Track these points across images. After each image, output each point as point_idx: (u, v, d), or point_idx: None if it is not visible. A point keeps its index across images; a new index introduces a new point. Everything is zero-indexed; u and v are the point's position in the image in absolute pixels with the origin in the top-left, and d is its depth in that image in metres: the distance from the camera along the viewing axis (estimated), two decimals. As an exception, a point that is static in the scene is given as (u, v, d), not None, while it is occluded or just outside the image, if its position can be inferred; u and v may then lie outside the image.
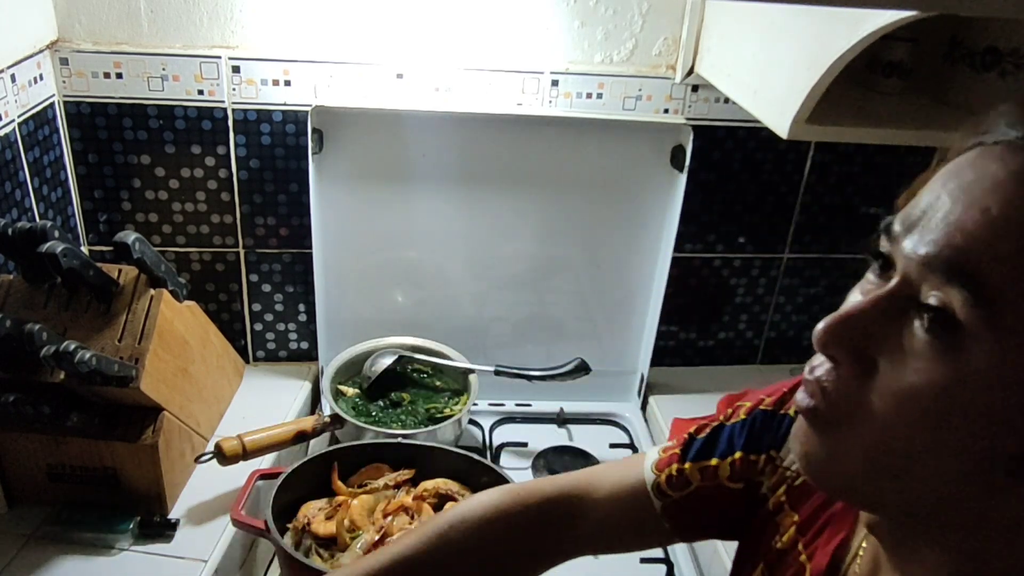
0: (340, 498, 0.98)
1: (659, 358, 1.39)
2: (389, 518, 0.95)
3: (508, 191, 1.22)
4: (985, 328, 0.38)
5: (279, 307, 1.31)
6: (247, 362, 1.34)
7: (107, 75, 1.12)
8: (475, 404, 1.20)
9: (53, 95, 1.12)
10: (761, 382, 1.51)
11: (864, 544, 0.54)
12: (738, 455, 0.64)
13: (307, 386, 1.30)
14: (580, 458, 1.22)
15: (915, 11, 0.71)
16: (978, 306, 0.38)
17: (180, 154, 1.18)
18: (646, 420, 1.34)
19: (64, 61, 1.11)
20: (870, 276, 0.46)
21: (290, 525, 0.95)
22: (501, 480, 0.98)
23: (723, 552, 1.04)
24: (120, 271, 1.02)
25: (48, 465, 0.98)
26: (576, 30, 1.16)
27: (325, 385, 1.19)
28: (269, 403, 1.23)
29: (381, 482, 1.00)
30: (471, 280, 1.28)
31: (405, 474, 1.01)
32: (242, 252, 1.26)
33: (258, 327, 1.32)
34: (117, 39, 1.11)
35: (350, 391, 1.21)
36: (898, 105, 1.02)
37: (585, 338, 1.34)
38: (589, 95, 1.19)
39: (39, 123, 1.09)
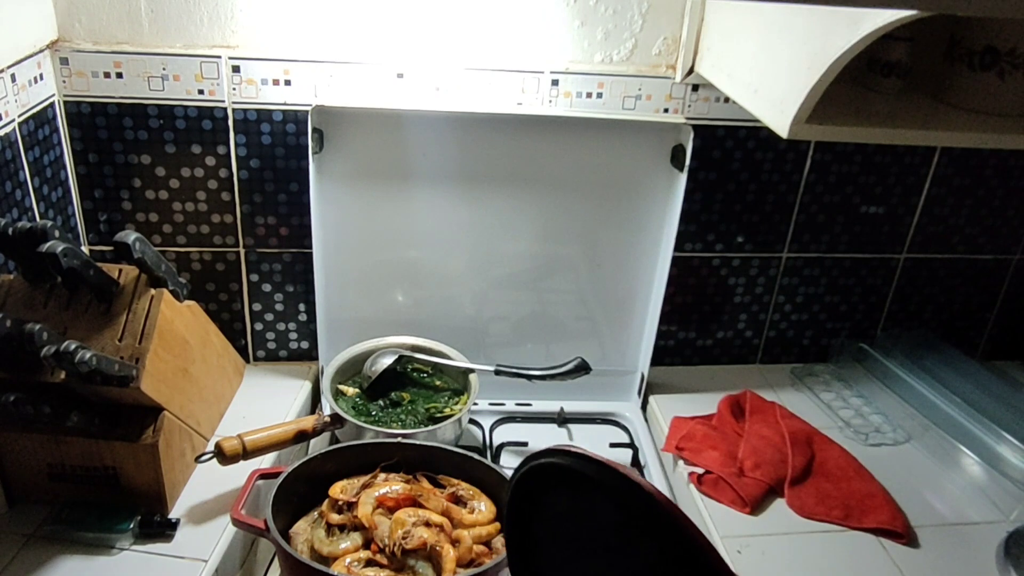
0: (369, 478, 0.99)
1: (659, 357, 1.39)
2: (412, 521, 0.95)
3: (508, 191, 1.22)
4: None
5: (279, 307, 1.31)
6: (247, 362, 1.34)
7: (107, 75, 1.12)
8: (475, 404, 1.20)
9: (53, 95, 1.12)
10: (761, 382, 1.52)
11: None
12: None
13: (307, 386, 1.30)
14: (580, 458, 1.22)
15: (915, 11, 0.71)
16: None
17: (180, 154, 1.18)
18: (646, 419, 1.34)
19: (64, 61, 1.11)
20: None
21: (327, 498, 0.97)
22: (502, 480, 0.98)
23: (723, 551, 1.04)
24: (120, 271, 1.02)
25: (48, 465, 0.98)
26: (576, 30, 1.16)
27: (325, 385, 1.19)
28: (269, 403, 1.23)
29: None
30: (471, 280, 1.28)
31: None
32: (242, 252, 1.26)
33: (258, 327, 1.32)
34: (117, 39, 1.12)
35: (350, 391, 1.21)
36: (897, 105, 1.03)
37: (585, 338, 1.34)
38: (589, 95, 1.19)
39: (39, 123, 1.09)
